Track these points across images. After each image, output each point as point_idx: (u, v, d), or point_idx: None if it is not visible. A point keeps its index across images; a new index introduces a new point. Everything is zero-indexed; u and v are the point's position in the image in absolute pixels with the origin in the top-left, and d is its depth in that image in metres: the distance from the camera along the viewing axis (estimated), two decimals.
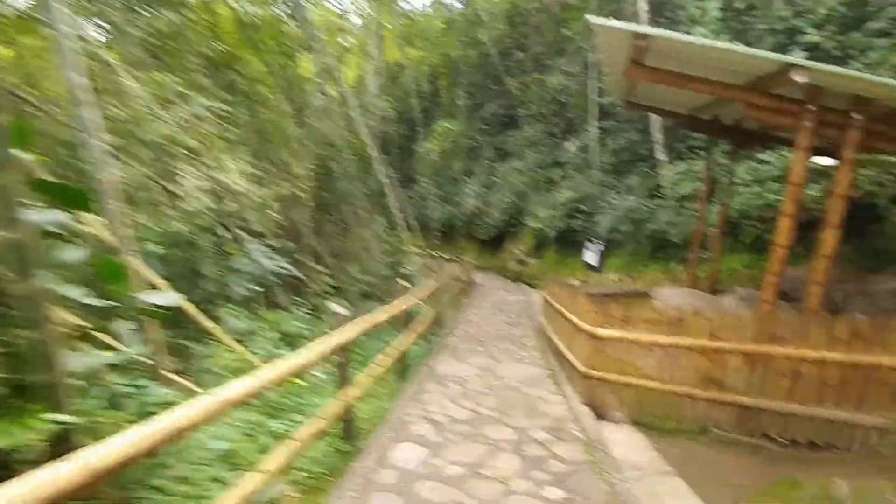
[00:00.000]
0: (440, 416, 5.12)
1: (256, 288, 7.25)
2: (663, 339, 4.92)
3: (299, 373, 3.43)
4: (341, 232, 11.37)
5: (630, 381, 5.11)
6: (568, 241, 18.48)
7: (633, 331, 5.03)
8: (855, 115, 5.40)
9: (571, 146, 21.05)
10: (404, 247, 13.13)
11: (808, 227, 9.42)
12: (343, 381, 4.17)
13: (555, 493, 3.62)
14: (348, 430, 4.27)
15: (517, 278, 21.16)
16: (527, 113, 24.21)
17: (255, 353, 5.65)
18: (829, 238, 5.49)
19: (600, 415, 5.17)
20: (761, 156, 11.24)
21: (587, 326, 5.44)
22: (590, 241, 13.24)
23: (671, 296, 6.98)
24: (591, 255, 11.09)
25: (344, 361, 4.18)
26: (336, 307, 4.56)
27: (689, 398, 4.92)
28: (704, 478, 3.96)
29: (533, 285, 19.36)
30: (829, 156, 7.76)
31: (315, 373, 5.37)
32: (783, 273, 5.86)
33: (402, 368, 6.47)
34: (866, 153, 7.91)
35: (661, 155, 13.57)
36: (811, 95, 5.37)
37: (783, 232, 5.68)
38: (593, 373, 5.36)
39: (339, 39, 23.47)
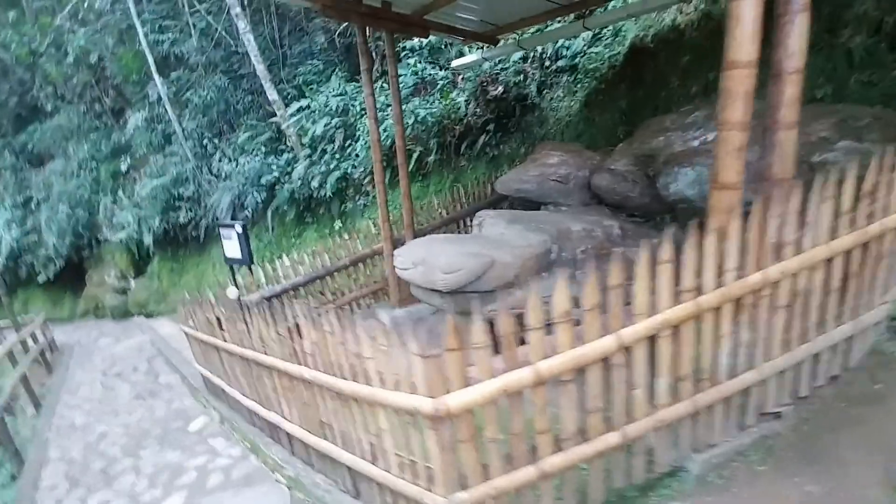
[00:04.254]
0: None
1: None
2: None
3: None
4: None
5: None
6: (185, 241, 13.65)
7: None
8: None
9: (134, 121, 15.20)
10: None
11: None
12: None
13: None
14: None
15: (123, 314, 14.88)
16: (50, 94, 16.46)
17: None
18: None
19: None
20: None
21: (404, 399, 2.18)
22: (222, 226, 9.08)
23: (414, 249, 4.42)
24: (232, 246, 7.26)
25: None
26: None
27: None
28: None
29: (151, 314, 13.82)
30: None
31: None
32: None
33: None
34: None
35: (272, 94, 10.51)
36: None
37: None
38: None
39: None
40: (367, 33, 6.42)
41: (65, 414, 6.69)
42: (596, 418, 2.23)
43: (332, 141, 9.98)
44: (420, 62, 9.23)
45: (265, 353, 3.44)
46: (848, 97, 4.37)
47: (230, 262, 7.87)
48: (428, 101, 9.05)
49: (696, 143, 4.30)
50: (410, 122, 8.69)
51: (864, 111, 3.79)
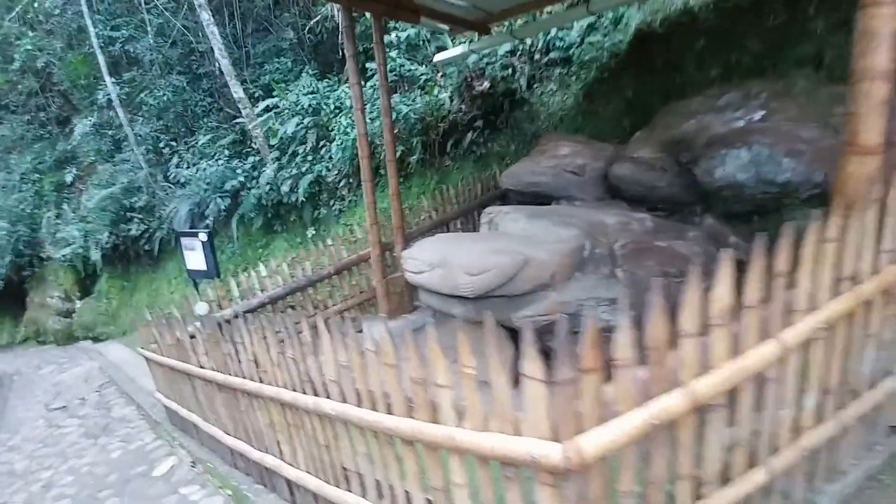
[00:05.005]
0: None
1: None
2: None
3: None
4: None
5: None
6: (137, 256, 12.51)
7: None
8: None
9: (81, 127, 13.82)
10: None
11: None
12: None
13: None
14: None
15: (68, 338, 13.45)
16: None
17: None
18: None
19: None
20: None
21: (509, 444, 1.48)
22: (184, 236, 8.12)
23: (429, 248, 3.76)
24: (196, 258, 6.42)
25: None
26: None
27: None
28: None
29: (100, 338, 12.52)
30: None
31: None
32: None
33: None
34: None
35: (238, 91, 9.62)
36: None
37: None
38: None
39: None
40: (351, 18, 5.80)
41: (2, 458, 5.64)
42: (741, 452, 1.68)
43: (303, 142, 9.22)
44: (399, 56, 8.65)
45: (260, 381, 2.73)
46: None
47: (194, 276, 6.91)
48: (409, 98, 8.47)
49: (740, 123, 3.89)
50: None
51: None
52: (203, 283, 6.65)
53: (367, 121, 6.62)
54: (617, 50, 6.10)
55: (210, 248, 6.88)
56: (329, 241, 6.33)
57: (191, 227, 10.69)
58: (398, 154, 8.39)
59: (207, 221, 10.72)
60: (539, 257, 3.42)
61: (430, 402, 1.67)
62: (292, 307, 5.85)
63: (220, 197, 10.33)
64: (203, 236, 6.93)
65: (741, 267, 1.55)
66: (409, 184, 8.55)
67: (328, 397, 2.21)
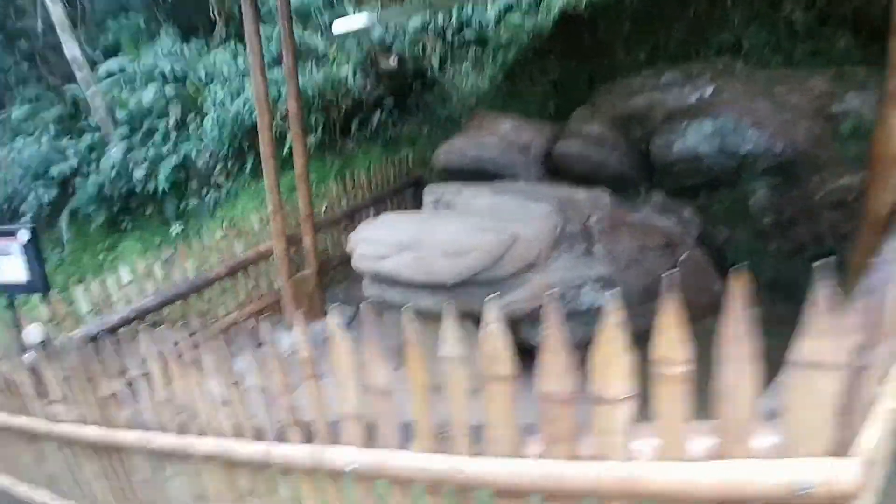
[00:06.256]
0: None
1: None
2: None
3: None
4: None
5: None
6: None
7: None
8: None
9: None
10: None
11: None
12: None
13: None
14: None
15: None
16: None
17: None
18: None
19: None
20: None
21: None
22: None
23: (393, 228, 2.95)
24: (12, 265, 4.69)
25: None
26: None
27: None
28: None
29: None
30: None
31: None
32: None
33: None
34: None
35: (73, 49, 7.49)
36: None
37: None
38: None
39: None
40: None
41: None
42: None
43: (163, 116, 7.59)
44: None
45: (183, 433, 1.80)
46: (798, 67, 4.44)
47: (9, 291, 5.02)
48: (302, 70, 7.47)
49: (692, 99, 3.87)
50: (284, 94, 7.02)
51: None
52: (26, 300, 4.95)
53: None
54: (540, 31, 5.95)
55: (34, 252, 5.09)
56: (219, 234, 5.13)
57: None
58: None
59: (25, 219, 8.33)
60: (526, 234, 2.94)
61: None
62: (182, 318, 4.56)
63: (42, 186, 8.09)
64: (24, 235, 5.09)
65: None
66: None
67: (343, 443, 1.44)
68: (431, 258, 2.76)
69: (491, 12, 6.53)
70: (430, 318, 1.75)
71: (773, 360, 0.94)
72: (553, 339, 1.07)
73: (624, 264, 3.34)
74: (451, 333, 1.25)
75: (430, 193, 4.08)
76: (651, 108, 4.03)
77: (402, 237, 2.86)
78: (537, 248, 3.01)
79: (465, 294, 2.92)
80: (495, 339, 1.18)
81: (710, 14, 4.73)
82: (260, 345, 1.67)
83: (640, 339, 0.99)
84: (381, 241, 2.92)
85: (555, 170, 4.64)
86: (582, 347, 1.06)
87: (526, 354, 1.40)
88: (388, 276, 2.92)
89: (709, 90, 3.83)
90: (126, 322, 4.41)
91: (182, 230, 7.76)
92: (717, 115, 3.53)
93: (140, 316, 4.48)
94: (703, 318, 1.62)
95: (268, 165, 4.74)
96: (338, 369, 1.40)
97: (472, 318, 3.13)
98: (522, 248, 2.92)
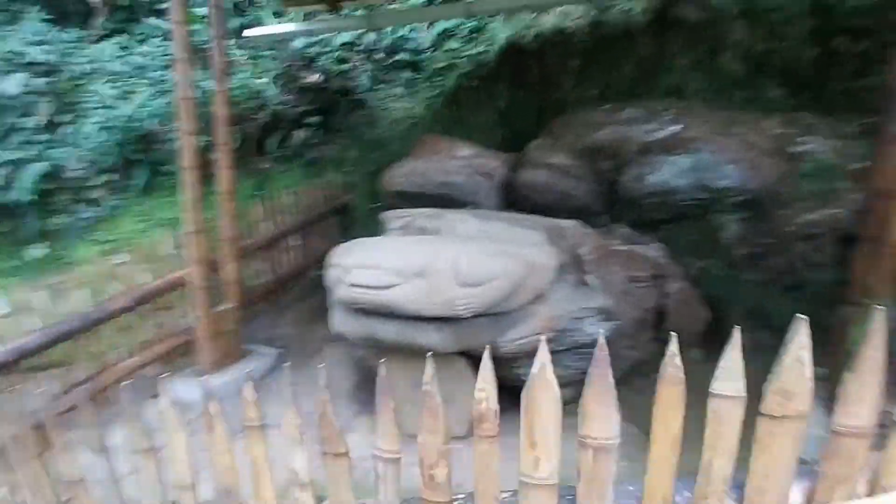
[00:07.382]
0: None
1: None
2: None
3: None
4: None
5: None
6: None
7: None
8: None
9: None
10: None
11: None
12: None
13: None
14: None
15: None
16: None
17: None
18: None
19: None
20: None
21: None
22: None
23: (395, 252, 2.38)
24: None
25: None
26: None
27: None
28: None
29: None
30: None
31: None
32: None
33: None
34: None
35: None
36: None
37: None
38: None
39: None
40: None
41: None
42: None
43: (28, 113, 6.18)
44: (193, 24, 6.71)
45: None
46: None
47: None
48: (209, 76, 6.63)
49: (660, 134, 3.93)
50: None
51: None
52: None
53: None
54: (483, 60, 5.86)
55: None
56: (113, 260, 4.14)
57: None
58: (201, 146, 6.43)
59: None
60: (541, 261, 2.62)
61: None
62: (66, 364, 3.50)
63: None
64: None
65: None
66: (211, 187, 6.57)
67: None
68: (445, 287, 2.32)
69: (426, 37, 6.34)
70: (438, 359, 1.34)
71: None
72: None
73: (617, 295, 3.18)
74: None
75: (397, 219, 3.62)
76: (620, 141, 4.01)
77: (409, 263, 2.37)
78: (548, 277, 2.71)
79: (470, 329, 2.52)
80: None
81: (656, 58, 4.97)
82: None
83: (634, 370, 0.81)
84: (384, 267, 2.39)
85: (513, 200, 4.46)
86: None
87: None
88: (388, 309, 2.40)
89: (678, 126, 3.92)
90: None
91: (48, 253, 6.28)
92: (693, 150, 3.59)
93: (18, 359, 3.35)
94: (689, 349, 1.67)
95: (188, 178, 3.97)
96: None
97: (468, 357, 2.74)
98: (538, 277, 2.60)
